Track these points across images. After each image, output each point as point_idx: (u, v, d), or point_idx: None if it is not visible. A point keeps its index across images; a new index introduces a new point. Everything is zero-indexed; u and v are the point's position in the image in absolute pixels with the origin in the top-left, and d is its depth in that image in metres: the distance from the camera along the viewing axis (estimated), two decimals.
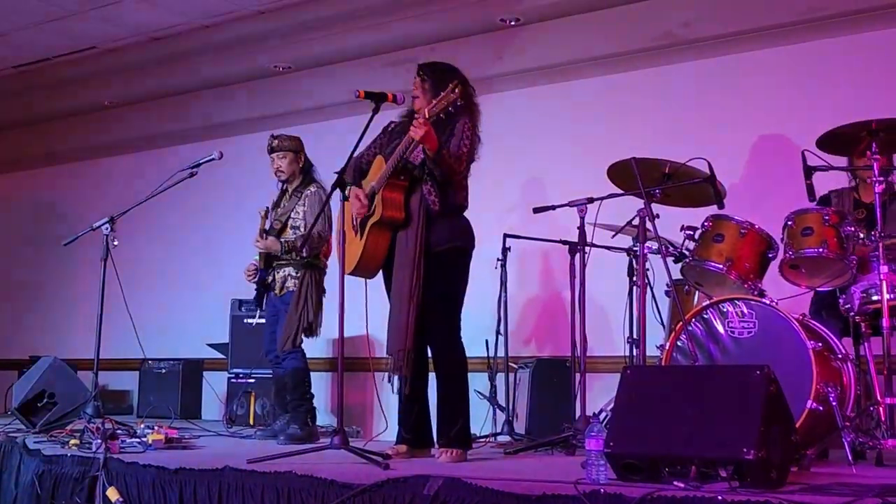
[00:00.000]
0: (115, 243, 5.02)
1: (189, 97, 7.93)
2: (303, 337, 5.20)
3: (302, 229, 5.24)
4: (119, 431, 4.57)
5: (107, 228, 5.03)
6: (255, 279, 5.36)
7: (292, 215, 5.33)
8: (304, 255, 5.15)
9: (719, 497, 2.64)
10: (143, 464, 3.94)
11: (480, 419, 5.30)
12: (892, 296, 3.73)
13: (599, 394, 5.06)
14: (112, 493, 3.89)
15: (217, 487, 3.65)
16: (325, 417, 6.10)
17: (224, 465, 3.69)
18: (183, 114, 7.96)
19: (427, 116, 3.92)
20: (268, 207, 5.44)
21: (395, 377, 4.11)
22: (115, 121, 8.37)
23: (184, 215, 7.83)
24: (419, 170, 4.14)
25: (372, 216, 4.18)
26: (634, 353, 4.64)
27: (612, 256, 5.22)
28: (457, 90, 3.88)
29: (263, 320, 5.56)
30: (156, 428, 4.72)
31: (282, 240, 5.25)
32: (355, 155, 4.26)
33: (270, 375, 5.72)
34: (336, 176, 4.15)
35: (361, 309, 4.25)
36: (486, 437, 5.05)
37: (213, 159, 5.09)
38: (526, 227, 5.52)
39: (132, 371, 7.36)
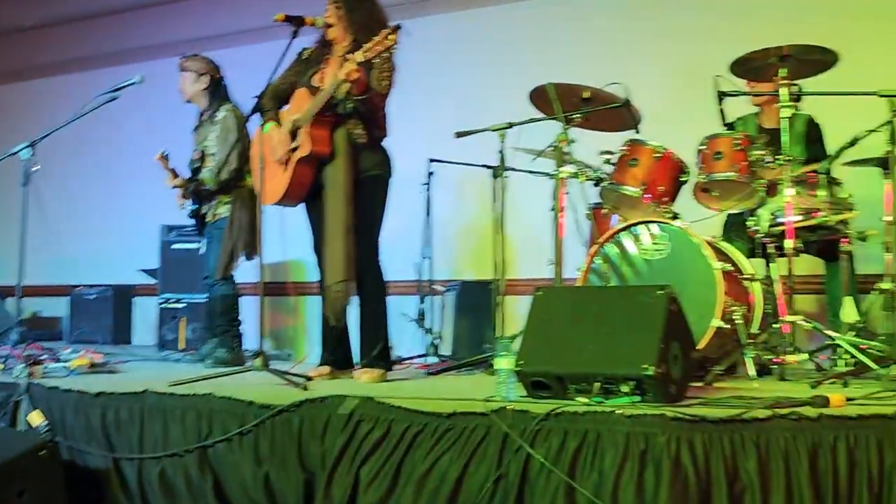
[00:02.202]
0: (36, 168, 4.92)
1: (109, 20, 7.77)
2: (238, 263, 5.19)
3: (217, 156, 5.19)
4: (43, 357, 4.57)
5: (26, 153, 4.93)
6: (189, 213, 5.33)
7: (207, 143, 5.24)
8: (212, 188, 5.13)
9: (618, 411, 2.76)
10: (64, 388, 3.96)
11: (408, 343, 5.38)
12: (797, 218, 3.87)
13: (523, 315, 5.15)
14: (36, 417, 3.91)
15: (139, 410, 3.69)
16: (258, 342, 6.13)
17: (145, 388, 3.74)
18: (105, 36, 7.77)
19: (359, 61, 3.89)
20: (163, 151, 5.31)
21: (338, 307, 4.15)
22: (37, 43, 8.14)
23: (110, 141, 7.68)
24: (342, 105, 4.14)
25: (298, 150, 4.19)
26: None
27: (540, 181, 5.28)
28: (390, 37, 3.83)
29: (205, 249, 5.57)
30: (82, 352, 4.73)
31: (190, 179, 5.21)
32: (273, 81, 4.25)
33: (200, 300, 5.74)
34: (255, 101, 4.14)
35: (285, 235, 4.28)
36: (411, 358, 5.15)
37: (134, 83, 4.99)
38: (451, 153, 5.53)
39: (64, 297, 7.32)
